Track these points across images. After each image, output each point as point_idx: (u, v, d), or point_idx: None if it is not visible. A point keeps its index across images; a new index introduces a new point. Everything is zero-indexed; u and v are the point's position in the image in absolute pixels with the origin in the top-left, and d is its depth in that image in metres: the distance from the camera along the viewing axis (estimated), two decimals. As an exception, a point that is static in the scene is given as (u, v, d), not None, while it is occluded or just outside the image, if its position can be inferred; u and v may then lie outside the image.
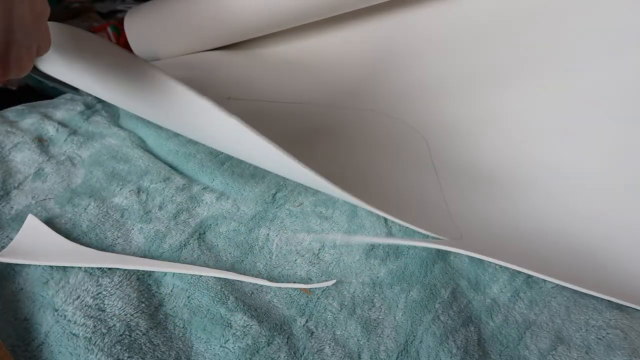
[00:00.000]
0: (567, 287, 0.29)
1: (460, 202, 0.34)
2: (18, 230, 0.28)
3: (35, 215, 0.29)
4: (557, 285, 0.29)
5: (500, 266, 0.30)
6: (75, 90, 0.39)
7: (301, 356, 0.25)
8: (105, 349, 0.23)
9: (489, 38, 0.46)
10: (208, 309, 0.26)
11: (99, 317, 0.24)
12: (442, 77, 0.47)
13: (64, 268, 0.26)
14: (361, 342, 0.26)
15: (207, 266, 0.28)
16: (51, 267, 0.26)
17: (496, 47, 0.45)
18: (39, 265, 0.26)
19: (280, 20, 0.47)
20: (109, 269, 0.27)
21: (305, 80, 0.47)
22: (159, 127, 0.38)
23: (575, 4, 0.42)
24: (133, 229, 0.30)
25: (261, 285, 0.28)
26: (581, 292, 0.29)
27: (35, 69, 0.32)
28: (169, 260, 0.28)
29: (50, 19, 0.35)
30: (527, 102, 0.42)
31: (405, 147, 0.40)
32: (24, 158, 0.34)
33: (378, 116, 0.44)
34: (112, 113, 0.40)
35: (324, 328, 0.26)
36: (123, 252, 0.29)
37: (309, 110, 0.43)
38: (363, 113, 0.44)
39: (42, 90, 0.78)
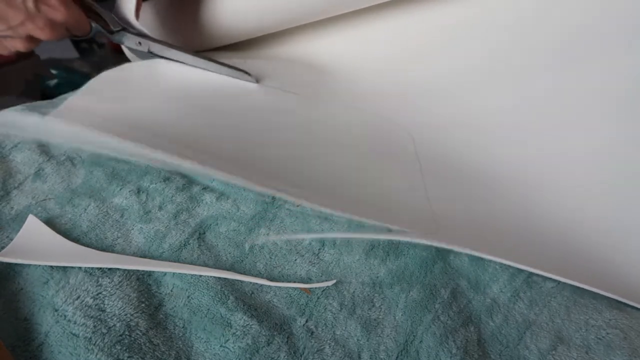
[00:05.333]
0: (567, 287, 0.29)
1: (443, 198, 0.34)
2: (18, 230, 0.28)
3: (36, 215, 0.29)
4: (557, 285, 0.29)
5: (501, 266, 0.30)
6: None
7: (301, 356, 0.25)
8: (105, 349, 0.23)
9: (479, 40, 0.46)
10: (208, 309, 0.26)
11: (99, 317, 0.24)
12: (431, 78, 0.47)
13: (64, 268, 0.26)
14: (361, 342, 0.26)
15: (207, 266, 0.28)
16: (51, 267, 0.26)
17: (487, 49, 0.46)
18: (39, 266, 0.26)
19: (261, 25, 0.47)
20: (109, 269, 0.27)
21: (295, 78, 0.47)
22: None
23: (566, 8, 0.42)
24: (133, 229, 0.30)
25: (261, 285, 0.28)
26: (581, 292, 0.29)
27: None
28: (169, 260, 0.28)
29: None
30: (516, 102, 0.43)
31: (391, 145, 0.41)
32: (24, 158, 0.34)
33: (366, 114, 0.44)
34: (112, 113, 0.40)
35: (324, 328, 0.26)
36: (123, 252, 0.29)
37: (297, 101, 0.43)
38: (351, 110, 0.44)
39: (43, 90, 0.78)
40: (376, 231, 0.30)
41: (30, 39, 0.34)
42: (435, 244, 0.27)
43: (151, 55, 0.40)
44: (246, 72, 0.43)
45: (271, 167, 0.32)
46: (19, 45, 0.34)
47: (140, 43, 0.39)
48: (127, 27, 0.38)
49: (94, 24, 0.37)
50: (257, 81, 0.44)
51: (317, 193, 0.30)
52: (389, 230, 0.29)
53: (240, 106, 0.41)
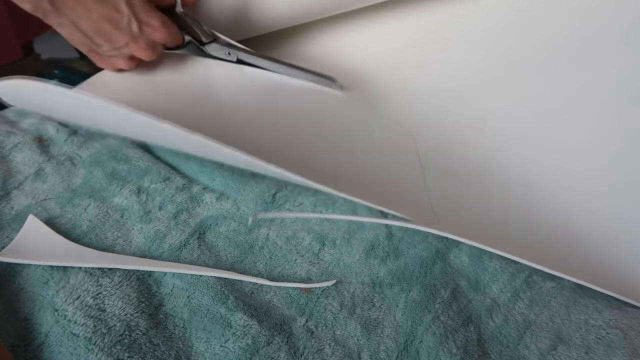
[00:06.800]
0: (567, 287, 0.29)
1: (444, 196, 0.34)
2: (18, 230, 0.28)
3: (36, 215, 0.29)
4: (557, 285, 0.29)
5: (501, 266, 0.30)
6: None
7: (301, 356, 0.25)
8: (106, 349, 0.23)
9: (481, 41, 0.46)
10: (208, 309, 0.26)
11: (99, 317, 0.24)
12: (432, 78, 0.47)
13: (64, 268, 0.26)
14: (361, 342, 0.26)
15: (207, 266, 0.28)
16: (51, 267, 0.26)
17: (487, 49, 0.46)
18: (39, 265, 0.26)
19: (283, 18, 0.47)
20: (109, 269, 0.27)
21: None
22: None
23: (564, 7, 0.42)
24: (133, 229, 0.30)
25: (261, 285, 0.28)
26: (581, 292, 0.29)
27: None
28: (169, 260, 0.28)
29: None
30: (515, 101, 0.43)
31: (392, 143, 0.41)
32: (24, 158, 0.34)
33: (369, 114, 0.44)
34: (112, 113, 0.40)
35: (324, 328, 0.26)
36: (123, 252, 0.29)
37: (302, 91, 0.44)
38: (355, 111, 0.45)
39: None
40: (378, 218, 0.30)
41: (132, 58, 0.36)
42: (436, 232, 0.27)
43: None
44: (332, 79, 0.44)
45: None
46: (122, 64, 0.36)
47: (229, 53, 0.41)
48: (216, 38, 0.40)
49: (186, 37, 0.39)
50: (342, 88, 0.45)
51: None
52: (390, 216, 0.29)
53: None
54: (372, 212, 0.33)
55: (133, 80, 0.38)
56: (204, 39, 0.39)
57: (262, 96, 0.41)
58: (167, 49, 0.39)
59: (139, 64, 0.38)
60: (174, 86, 0.39)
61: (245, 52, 0.41)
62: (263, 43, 0.52)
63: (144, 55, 0.36)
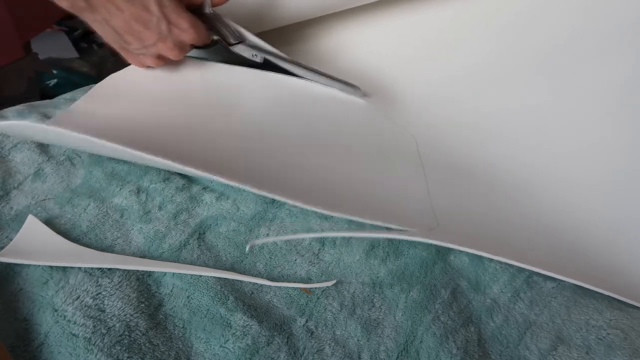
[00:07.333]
0: (567, 288, 0.29)
1: (445, 197, 0.34)
2: (18, 230, 0.28)
3: (35, 215, 0.29)
4: (558, 285, 0.29)
5: (501, 266, 0.30)
6: None
7: (301, 356, 0.25)
8: (105, 349, 0.23)
9: (480, 41, 0.46)
10: (208, 309, 0.26)
11: (98, 317, 0.24)
12: (433, 80, 0.47)
13: (64, 268, 0.26)
14: (361, 342, 0.26)
15: (207, 266, 0.28)
16: (51, 267, 0.26)
17: (486, 51, 0.46)
18: (39, 266, 0.26)
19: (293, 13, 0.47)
20: (109, 269, 0.27)
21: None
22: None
23: (564, 7, 0.42)
24: (133, 229, 0.30)
25: (261, 285, 0.28)
26: (582, 292, 0.29)
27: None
28: (168, 261, 0.28)
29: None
30: (515, 103, 0.43)
31: (394, 146, 0.41)
32: (23, 158, 0.34)
33: (369, 116, 0.44)
34: (112, 113, 0.40)
35: (324, 328, 0.26)
36: (123, 252, 0.29)
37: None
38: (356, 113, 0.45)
39: (42, 90, 0.78)
40: (375, 229, 0.30)
41: (160, 57, 0.37)
42: (434, 242, 0.27)
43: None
44: (356, 87, 0.44)
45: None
46: (150, 62, 0.37)
47: (255, 55, 0.41)
48: (243, 40, 0.41)
49: (215, 37, 0.39)
50: (365, 96, 0.45)
51: (328, 196, 0.30)
52: (388, 229, 0.29)
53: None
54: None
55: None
56: (231, 40, 0.40)
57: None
58: (196, 47, 0.39)
59: (166, 63, 0.38)
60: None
61: (271, 55, 0.42)
62: (270, 42, 0.52)
63: (172, 54, 0.36)
